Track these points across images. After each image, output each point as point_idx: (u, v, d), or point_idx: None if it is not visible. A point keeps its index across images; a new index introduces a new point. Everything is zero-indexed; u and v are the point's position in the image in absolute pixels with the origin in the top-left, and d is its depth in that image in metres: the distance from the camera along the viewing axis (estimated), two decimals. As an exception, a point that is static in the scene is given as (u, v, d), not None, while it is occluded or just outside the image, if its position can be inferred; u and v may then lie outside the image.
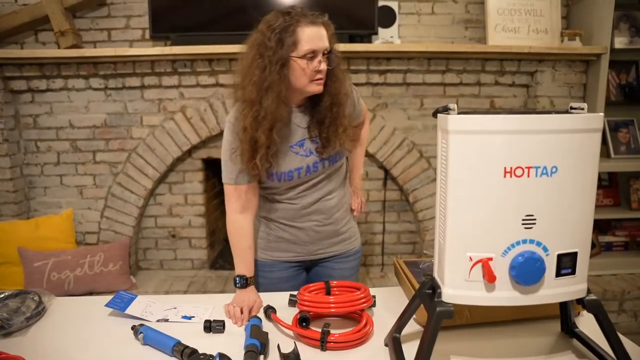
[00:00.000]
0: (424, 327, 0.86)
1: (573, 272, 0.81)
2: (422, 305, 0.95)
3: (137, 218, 2.67)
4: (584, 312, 1.11)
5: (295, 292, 1.19)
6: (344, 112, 1.31)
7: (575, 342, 1.01)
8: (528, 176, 0.76)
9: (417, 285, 1.10)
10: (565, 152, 0.76)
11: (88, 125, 2.59)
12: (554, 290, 0.81)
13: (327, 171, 1.37)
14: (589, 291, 0.84)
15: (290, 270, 1.45)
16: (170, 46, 2.47)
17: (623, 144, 2.70)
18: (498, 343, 1.02)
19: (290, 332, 1.08)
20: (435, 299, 0.82)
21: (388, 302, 1.22)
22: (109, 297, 1.22)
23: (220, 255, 3.02)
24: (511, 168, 0.76)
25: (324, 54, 1.21)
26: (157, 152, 2.59)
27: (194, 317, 1.17)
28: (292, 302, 1.20)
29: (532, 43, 2.52)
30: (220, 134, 2.55)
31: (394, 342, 0.98)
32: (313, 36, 1.18)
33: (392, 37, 2.58)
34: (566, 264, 0.80)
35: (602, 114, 0.79)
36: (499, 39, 2.52)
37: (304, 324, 1.04)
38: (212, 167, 2.84)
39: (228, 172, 1.31)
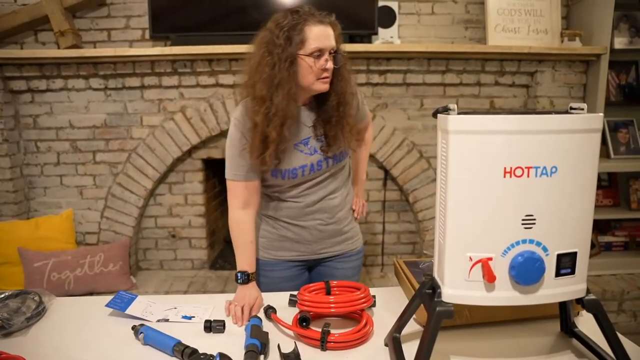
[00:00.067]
0: (424, 327, 0.86)
1: (572, 272, 0.81)
2: (422, 305, 0.95)
3: (137, 218, 2.67)
4: (584, 312, 1.11)
5: (295, 292, 1.19)
6: (350, 111, 1.33)
7: (575, 342, 1.01)
8: (528, 176, 0.76)
9: (417, 285, 1.10)
10: (565, 152, 0.76)
11: (88, 125, 2.60)
12: (553, 290, 0.81)
13: (330, 170, 1.38)
14: (588, 291, 0.84)
15: (292, 270, 1.46)
16: (170, 46, 2.47)
17: (623, 144, 2.70)
18: (498, 343, 1.02)
19: (291, 332, 1.08)
20: (435, 299, 0.83)
21: (388, 302, 1.22)
22: (109, 297, 1.22)
23: (220, 255, 3.02)
24: (511, 168, 0.76)
25: (330, 53, 1.23)
26: (157, 152, 2.59)
27: (194, 317, 1.18)
28: (292, 302, 1.20)
29: (532, 43, 2.52)
30: (220, 134, 2.59)
31: (394, 342, 0.98)
32: (320, 35, 1.20)
33: (392, 37, 2.58)
34: (566, 264, 0.80)
35: (601, 114, 0.79)
36: (499, 39, 2.53)
37: (304, 323, 1.04)
38: (212, 167, 2.84)
39: (233, 168, 1.32)
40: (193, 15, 2.46)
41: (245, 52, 1.30)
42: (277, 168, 1.31)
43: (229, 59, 2.45)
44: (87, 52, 2.40)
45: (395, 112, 2.63)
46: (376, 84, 2.58)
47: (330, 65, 1.23)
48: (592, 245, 2.69)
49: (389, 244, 2.83)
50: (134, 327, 1.08)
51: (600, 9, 2.45)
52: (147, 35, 2.58)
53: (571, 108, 0.80)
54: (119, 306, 1.19)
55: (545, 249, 0.79)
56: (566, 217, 0.79)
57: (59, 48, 2.45)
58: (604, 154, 2.68)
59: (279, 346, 0.99)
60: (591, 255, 1.17)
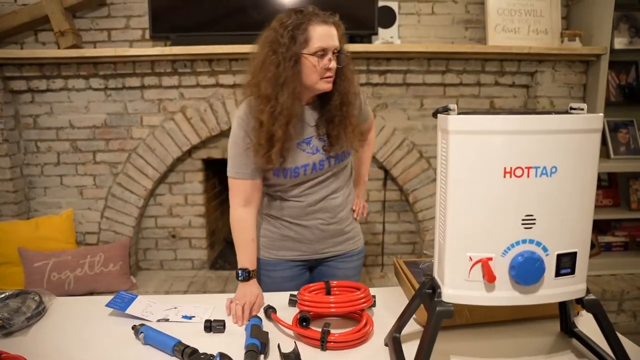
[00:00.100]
0: (424, 327, 0.86)
1: (572, 272, 0.81)
2: (422, 305, 0.95)
3: (137, 218, 2.67)
4: (583, 312, 1.11)
5: (295, 292, 1.19)
6: (353, 111, 1.34)
7: (575, 341, 1.01)
8: (528, 176, 0.76)
9: (417, 285, 1.10)
10: (564, 152, 0.77)
11: (88, 125, 2.60)
12: (553, 290, 0.81)
13: (332, 169, 1.38)
14: (588, 291, 0.84)
15: (294, 270, 1.46)
16: (170, 46, 2.47)
17: (623, 144, 2.70)
18: (498, 343, 1.02)
19: (291, 332, 1.08)
20: (435, 299, 0.83)
21: (388, 302, 1.22)
22: (109, 297, 1.22)
23: (220, 255, 3.02)
24: (511, 168, 0.76)
25: (333, 53, 1.24)
26: (157, 152, 2.59)
27: (194, 317, 1.18)
28: (292, 302, 1.20)
29: (532, 43, 2.52)
30: (221, 134, 2.59)
31: (394, 342, 0.98)
32: (324, 34, 1.21)
33: (392, 37, 2.58)
34: (566, 264, 0.80)
35: (601, 114, 0.79)
36: (499, 39, 2.53)
37: (304, 323, 1.04)
38: (212, 167, 2.84)
39: (235, 166, 1.32)
40: (193, 15, 2.46)
41: (245, 52, 1.31)
42: (279, 167, 1.31)
43: (229, 59, 2.44)
44: (87, 52, 2.40)
45: (395, 112, 2.63)
46: (376, 84, 2.58)
47: (333, 64, 1.24)
48: (592, 246, 2.69)
49: (389, 244, 2.83)
50: (134, 327, 1.08)
51: (600, 9, 2.46)
52: (147, 35, 2.58)
53: (571, 108, 0.80)
54: (119, 306, 1.19)
55: (545, 249, 0.79)
56: (566, 217, 0.79)
57: (59, 48, 2.45)
58: (604, 154, 2.69)
59: (279, 346, 0.99)
60: (591, 256, 1.17)
